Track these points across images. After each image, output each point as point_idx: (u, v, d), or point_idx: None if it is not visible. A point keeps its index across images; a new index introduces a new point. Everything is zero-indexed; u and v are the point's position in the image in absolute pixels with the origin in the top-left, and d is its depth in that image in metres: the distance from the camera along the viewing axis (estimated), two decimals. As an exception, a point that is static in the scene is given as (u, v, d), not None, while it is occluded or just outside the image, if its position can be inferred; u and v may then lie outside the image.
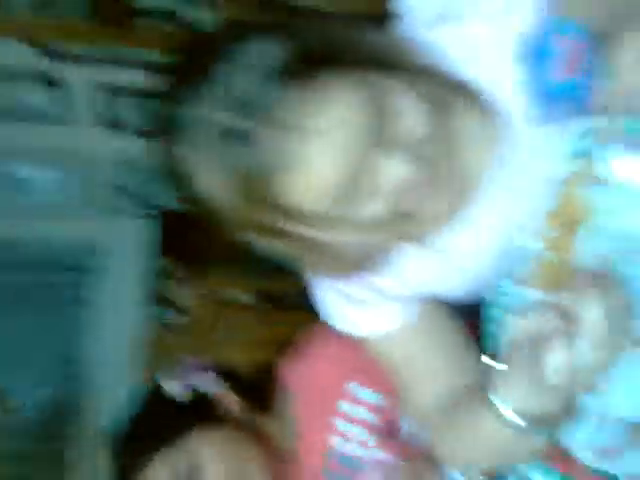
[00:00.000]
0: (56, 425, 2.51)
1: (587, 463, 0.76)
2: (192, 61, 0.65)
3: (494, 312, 0.83)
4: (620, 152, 0.68)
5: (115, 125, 2.20)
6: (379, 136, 0.63)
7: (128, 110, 2.16)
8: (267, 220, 0.65)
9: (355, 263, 0.73)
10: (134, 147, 2.20)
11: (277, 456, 1.10)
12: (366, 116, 0.62)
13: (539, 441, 0.69)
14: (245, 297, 2.42)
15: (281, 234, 0.66)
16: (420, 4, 0.76)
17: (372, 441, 1.09)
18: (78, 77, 2.09)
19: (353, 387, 1.09)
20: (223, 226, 0.68)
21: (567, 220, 0.72)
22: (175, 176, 0.67)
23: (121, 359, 2.35)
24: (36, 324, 2.55)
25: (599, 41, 0.70)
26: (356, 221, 0.66)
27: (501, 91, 0.73)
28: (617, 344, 0.60)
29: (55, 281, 2.63)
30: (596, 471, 0.76)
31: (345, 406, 1.09)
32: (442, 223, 0.72)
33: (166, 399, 1.07)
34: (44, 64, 2.03)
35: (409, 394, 0.84)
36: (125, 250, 2.60)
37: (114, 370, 2.37)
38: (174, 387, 1.08)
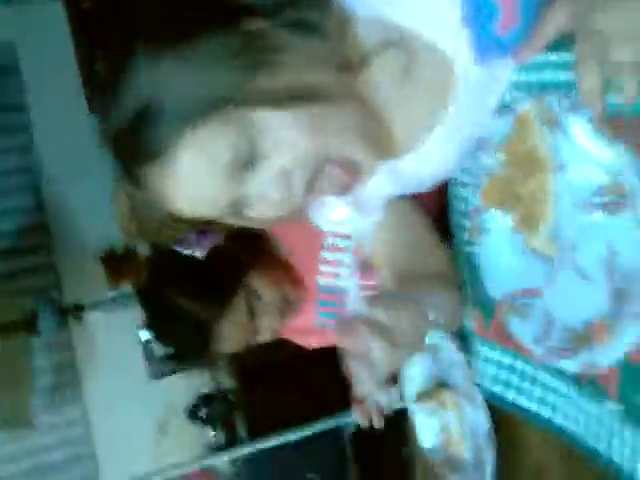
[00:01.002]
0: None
1: (539, 356, 0.82)
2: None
3: (459, 190, 0.92)
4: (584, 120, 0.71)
5: None
6: (241, 169, 0.69)
7: None
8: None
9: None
10: None
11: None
12: (232, 153, 0.67)
13: None
14: None
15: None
16: None
17: (354, 274, 1.30)
18: None
19: (332, 238, 1.30)
20: None
21: (520, 152, 0.78)
22: None
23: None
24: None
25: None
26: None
27: (443, 34, 0.76)
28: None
29: None
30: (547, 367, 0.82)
31: (327, 254, 1.32)
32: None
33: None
34: None
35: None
36: (45, 41, 2.52)
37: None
38: (197, 252, 1.23)
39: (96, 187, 2.24)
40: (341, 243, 1.34)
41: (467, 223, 0.92)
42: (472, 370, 0.95)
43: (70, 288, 2.57)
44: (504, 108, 0.81)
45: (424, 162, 0.86)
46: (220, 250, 1.29)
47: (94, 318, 2.42)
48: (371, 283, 1.37)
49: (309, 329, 1.47)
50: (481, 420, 0.95)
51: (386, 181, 0.89)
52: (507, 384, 0.88)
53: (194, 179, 0.69)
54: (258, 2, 0.70)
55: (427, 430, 1.06)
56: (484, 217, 0.87)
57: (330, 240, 1.33)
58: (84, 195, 2.54)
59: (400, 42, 0.78)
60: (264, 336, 1.35)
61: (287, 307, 1.35)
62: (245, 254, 1.33)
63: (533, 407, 0.85)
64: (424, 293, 0.85)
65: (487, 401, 0.93)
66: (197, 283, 1.26)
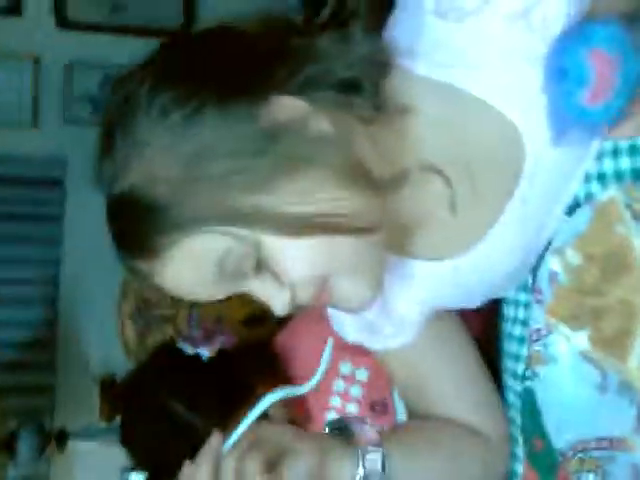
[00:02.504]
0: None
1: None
2: None
3: (512, 310, 0.75)
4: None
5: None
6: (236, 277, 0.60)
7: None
8: None
9: None
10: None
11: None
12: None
13: None
14: None
15: None
16: None
17: (366, 417, 1.07)
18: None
19: (345, 366, 1.11)
20: None
21: (599, 253, 0.61)
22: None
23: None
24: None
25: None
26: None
27: (512, 105, 0.61)
28: None
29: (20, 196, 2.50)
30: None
31: (340, 385, 1.12)
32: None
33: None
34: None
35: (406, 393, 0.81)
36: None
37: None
38: (204, 352, 1.08)
39: (110, 312, 2.13)
40: (357, 375, 1.15)
41: (522, 351, 0.73)
42: None
43: (62, 412, 2.34)
44: (580, 201, 0.65)
45: (478, 265, 0.69)
46: (229, 356, 1.11)
47: (79, 448, 2.17)
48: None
49: None
50: None
51: (429, 289, 0.71)
52: None
53: (184, 282, 0.60)
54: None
55: None
56: (547, 341, 0.68)
57: (345, 368, 1.14)
58: (98, 319, 2.41)
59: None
60: None
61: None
62: (256, 363, 1.14)
63: None
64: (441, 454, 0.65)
65: None
66: (199, 388, 1.06)
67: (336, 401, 1.16)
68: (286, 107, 0.56)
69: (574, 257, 0.63)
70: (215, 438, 0.64)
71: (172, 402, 1.04)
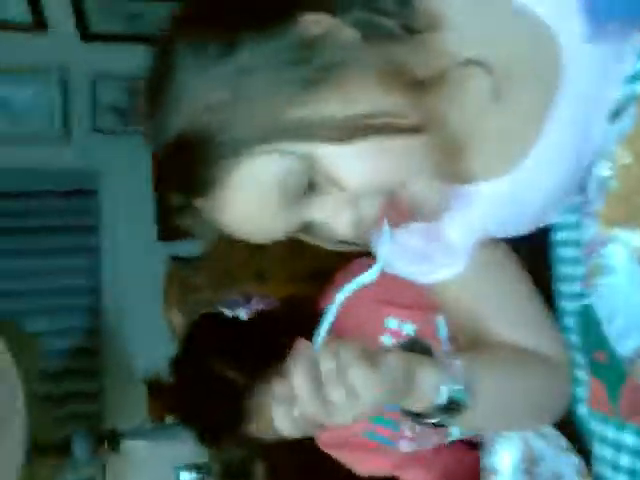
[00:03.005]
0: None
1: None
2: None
3: (561, 234, 0.73)
4: None
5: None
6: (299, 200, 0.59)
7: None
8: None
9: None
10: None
11: None
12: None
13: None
14: None
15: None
16: None
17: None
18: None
19: (392, 321, 1.09)
20: None
21: None
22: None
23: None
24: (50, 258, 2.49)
25: None
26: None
27: (543, 2, 0.60)
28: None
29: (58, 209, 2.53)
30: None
31: (387, 340, 1.10)
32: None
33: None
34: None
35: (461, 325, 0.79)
36: (125, 170, 2.49)
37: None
38: (241, 313, 1.07)
39: (153, 316, 2.14)
40: (404, 329, 1.13)
41: (577, 271, 0.71)
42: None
43: (112, 415, 2.36)
44: (623, 106, 0.63)
45: (530, 179, 0.67)
46: (267, 317, 1.10)
47: (132, 448, 2.18)
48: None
49: (358, 440, 1.20)
50: None
51: (483, 213, 0.70)
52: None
53: (247, 214, 0.60)
54: None
55: None
56: (604, 252, 0.66)
57: (391, 323, 1.12)
58: (141, 322, 2.43)
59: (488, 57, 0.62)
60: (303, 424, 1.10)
61: None
62: (296, 325, 1.13)
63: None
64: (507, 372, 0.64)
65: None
66: (239, 346, 1.07)
67: None
68: (317, 22, 0.56)
69: (624, 156, 0.61)
70: (302, 344, 0.61)
71: (214, 362, 1.05)
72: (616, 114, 0.63)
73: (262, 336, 1.08)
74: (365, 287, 1.13)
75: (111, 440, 2.07)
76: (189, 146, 0.57)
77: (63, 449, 2.00)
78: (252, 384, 1.02)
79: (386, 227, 0.60)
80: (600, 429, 0.64)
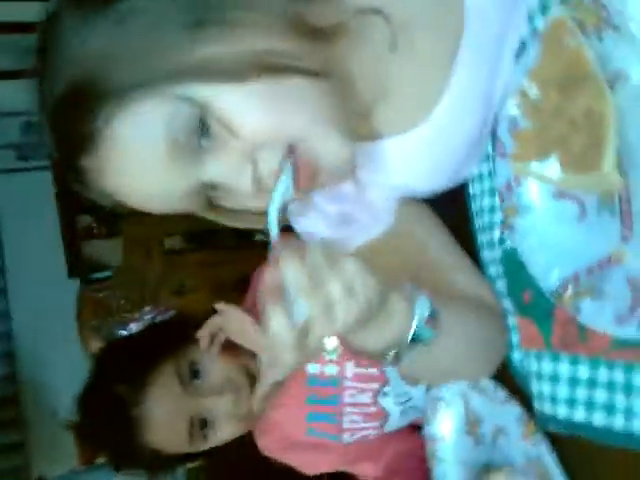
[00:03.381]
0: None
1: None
2: None
3: (478, 187, 0.73)
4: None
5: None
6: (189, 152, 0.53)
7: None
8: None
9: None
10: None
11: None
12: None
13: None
14: (172, 242, 2.20)
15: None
16: None
17: (344, 357, 1.03)
18: None
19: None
20: None
21: (554, 75, 0.58)
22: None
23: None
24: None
25: None
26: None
27: None
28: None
29: None
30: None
31: None
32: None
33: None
34: None
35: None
36: (27, 208, 2.40)
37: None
38: (133, 327, 1.10)
39: (72, 355, 2.04)
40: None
41: (495, 218, 0.71)
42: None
43: (40, 464, 2.22)
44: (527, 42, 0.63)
45: (442, 128, 0.66)
46: (157, 324, 1.08)
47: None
48: (370, 371, 1.11)
49: (302, 440, 1.16)
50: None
51: (400, 169, 0.69)
52: (589, 404, 0.59)
53: (136, 171, 0.54)
54: None
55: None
56: (519, 191, 0.66)
57: None
58: (59, 364, 2.32)
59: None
60: (224, 427, 1.05)
61: (243, 383, 1.06)
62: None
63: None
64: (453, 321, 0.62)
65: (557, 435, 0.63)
66: (122, 360, 1.02)
67: None
68: None
69: (531, 89, 0.61)
70: (279, 244, 0.52)
71: (105, 381, 1.01)
72: (521, 51, 0.63)
73: (143, 344, 1.05)
74: None
75: (38, 490, 1.94)
76: (74, 99, 0.52)
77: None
78: (135, 392, 0.97)
79: (283, 178, 0.55)
80: (536, 366, 0.63)
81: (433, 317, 0.58)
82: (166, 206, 0.57)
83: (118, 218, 2.21)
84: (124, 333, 1.07)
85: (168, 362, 1.00)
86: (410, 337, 0.57)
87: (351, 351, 0.59)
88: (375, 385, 1.12)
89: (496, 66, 0.65)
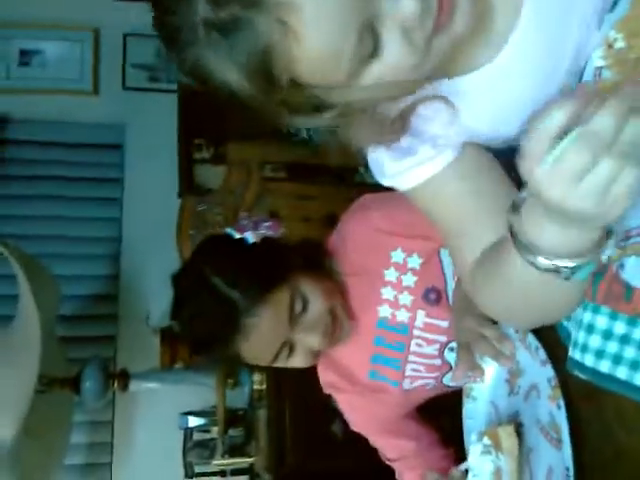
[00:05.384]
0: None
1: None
2: None
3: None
4: None
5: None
6: None
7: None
8: (290, 97, 0.60)
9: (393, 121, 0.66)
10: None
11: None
12: None
13: (574, 286, 0.57)
14: (275, 172, 2.25)
15: (309, 108, 0.61)
16: None
17: (417, 305, 1.09)
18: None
19: (398, 254, 1.09)
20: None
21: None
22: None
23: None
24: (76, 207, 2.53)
25: None
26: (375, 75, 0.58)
27: None
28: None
29: (85, 160, 2.56)
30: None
31: (391, 274, 1.10)
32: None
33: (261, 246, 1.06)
34: None
35: (452, 242, 0.75)
36: (150, 126, 2.53)
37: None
38: (248, 236, 1.06)
39: (171, 265, 2.16)
40: (409, 262, 1.11)
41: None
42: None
43: (125, 358, 2.38)
44: None
45: (515, 66, 0.66)
46: (273, 243, 1.10)
47: (141, 389, 2.19)
48: (441, 323, 1.12)
49: (361, 382, 1.19)
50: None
51: (465, 108, 0.69)
52: (617, 358, 0.58)
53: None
54: None
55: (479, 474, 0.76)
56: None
57: (397, 256, 1.10)
58: (158, 271, 2.45)
59: None
60: (299, 357, 1.09)
61: (333, 326, 1.09)
62: (300, 256, 1.12)
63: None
64: None
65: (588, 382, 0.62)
66: (240, 268, 1.05)
67: (388, 292, 1.13)
68: None
69: (617, 40, 0.59)
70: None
71: (214, 278, 1.03)
72: (614, 3, 0.61)
73: (264, 260, 1.06)
74: (377, 216, 1.12)
75: (120, 379, 2.08)
76: None
77: (74, 385, 2.01)
78: (250, 305, 1.01)
79: None
80: (580, 315, 0.62)
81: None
82: (333, 47, 0.56)
83: (226, 142, 2.27)
84: (234, 235, 1.09)
85: (284, 288, 1.04)
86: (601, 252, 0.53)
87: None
88: (443, 338, 1.12)
89: (569, 17, 0.63)
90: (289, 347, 1.06)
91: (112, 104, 2.63)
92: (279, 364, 1.08)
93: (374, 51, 0.57)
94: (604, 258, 0.56)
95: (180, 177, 2.56)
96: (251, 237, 1.07)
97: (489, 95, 0.68)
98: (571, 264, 0.53)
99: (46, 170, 2.55)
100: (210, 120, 2.35)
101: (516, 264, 0.57)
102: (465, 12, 0.57)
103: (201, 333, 1.07)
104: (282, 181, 2.20)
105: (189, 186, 2.56)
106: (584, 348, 0.59)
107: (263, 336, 1.02)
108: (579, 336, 0.60)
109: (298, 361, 1.08)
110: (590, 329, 0.59)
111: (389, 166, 0.73)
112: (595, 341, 0.59)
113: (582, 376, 0.60)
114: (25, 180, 2.52)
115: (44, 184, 2.54)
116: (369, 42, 0.56)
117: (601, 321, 0.59)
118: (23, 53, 2.61)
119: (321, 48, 0.56)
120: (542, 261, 0.54)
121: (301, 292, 1.05)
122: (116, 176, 2.61)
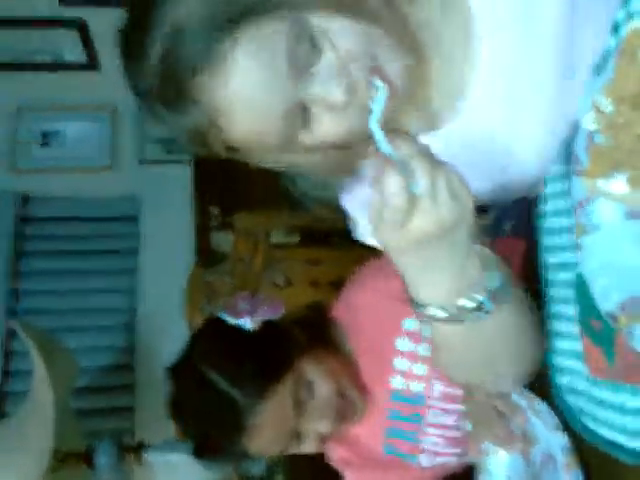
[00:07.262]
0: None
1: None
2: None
3: (548, 206, 0.68)
4: None
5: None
6: (300, 66, 0.58)
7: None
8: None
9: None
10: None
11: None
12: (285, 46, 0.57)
13: (495, 326, 0.58)
14: (288, 237, 2.22)
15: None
16: None
17: (432, 374, 1.02)
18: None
19: (410, 322, 1.02)
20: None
21: (629, 91, 0.54)
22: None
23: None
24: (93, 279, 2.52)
25: None
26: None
27: None
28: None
29: (101, 233, 2.57)
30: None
31: (404, 344, 1.04)
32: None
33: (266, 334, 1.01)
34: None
35: None
36: (165, 198, 2.54)
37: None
38: (246, 323, 1.01)
39: (186, 335, 2.13)
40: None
41: (564, 239, 0.67)
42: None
43: (142, 429, 2.33)
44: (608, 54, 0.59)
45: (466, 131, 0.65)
46: (274, 327, 1.05)
47: (157, 461, 2.13)
48: (458, 392, 1.06)
49: (376, 459, 1.13)
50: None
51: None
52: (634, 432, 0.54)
53: (250, 81, 0.58)
54: None
55: None
56: (589, 209, 0.61)
57: (410, 324, 1.05)
58: (174, 340, 2.42)
59: None
60: (309, 444, 1.03)
61: (344, 409, 1.04)
62: (303, 336, 1.08)
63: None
64: None
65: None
66: (239, 362, 0.99)
67: (401, 363, 1.08)
68: None
69: (606, 105, 0.57)
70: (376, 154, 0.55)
71: (213, 374, 0.98)
72: (601, 66, 0.60)
73: (265, 350, 1.01)
74: (385, 283, 1.07)
75: (136, 452, 2.02)
76: (184, 29, 0.57)
77: (88, 459, 1.96)
78: (252, 403, 0.96)
79: (380, 83, 0.57)
80: (605, 395, 0.58)
81: (499, 291, 0.56)
82: (263, 126, 0.60)
83: (236, 210, 2.28)
84: (231, 321, 1.03)
85: (288, 378, 0.98)
86: (474, 297, 0.55)
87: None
88: (461, 407, 1.06)
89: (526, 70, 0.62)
90: (298, 436, 1.00)
91: (128, 178, 2.66)
92: (290, 452, 1.03)
93: (304, 124, 0.60)
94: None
95: (196, 245, 2.56)
96: (249, 323, 1.02)
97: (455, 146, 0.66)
98: (463, 302, 0.55)
99: (63, 245, 2.56)
100: (225, 188, 2.37)
101: (436, 329, 0.59)
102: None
103: (203, 437, 1.02)
104: (290, 247, 2.18)
105: (205, 254, 2.55)
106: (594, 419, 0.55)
107: (268, 433, 0.97)
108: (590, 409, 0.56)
109: (309, 447, 1.02)
110: (602, 404, 0.55)
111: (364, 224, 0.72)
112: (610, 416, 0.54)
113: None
114: (42, 255, 2.52)
115: (61, 259, 2.54)
116: (298, 119, 0.60)
117: (622, 397, 0.55)
118: (45, 135, 2.66)
119: (251, 129, 0.60)
120: (436, 311, 0.57)
121: (306, 377, 1.00)
122: (131, 247, 2.61)
